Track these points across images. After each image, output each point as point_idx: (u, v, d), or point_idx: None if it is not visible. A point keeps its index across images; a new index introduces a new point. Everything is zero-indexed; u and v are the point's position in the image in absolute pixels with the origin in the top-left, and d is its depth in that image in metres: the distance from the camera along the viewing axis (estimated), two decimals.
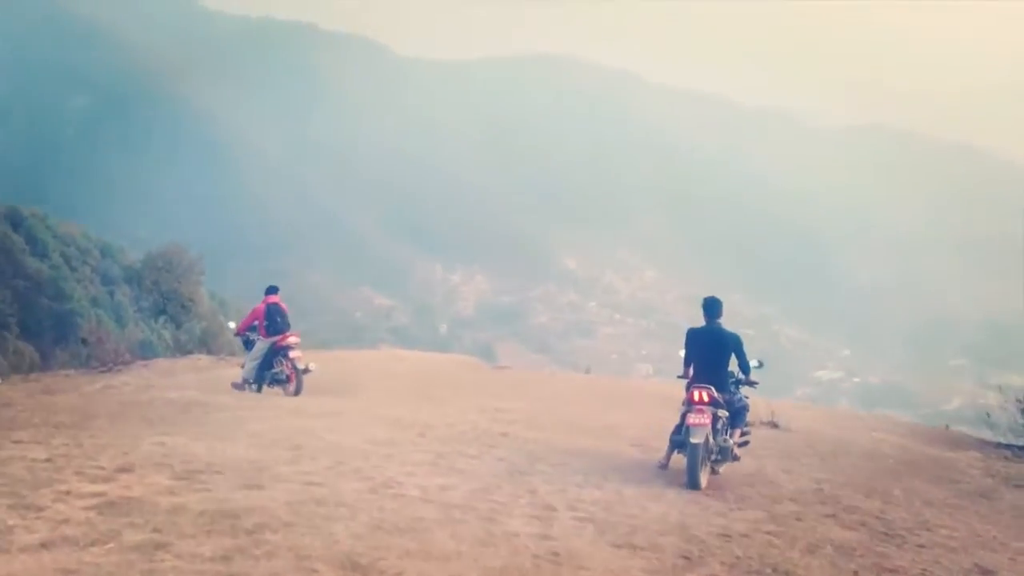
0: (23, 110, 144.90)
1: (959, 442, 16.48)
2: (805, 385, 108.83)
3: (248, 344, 15.28)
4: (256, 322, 15.00)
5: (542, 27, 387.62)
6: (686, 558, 6.17)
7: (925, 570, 6.84)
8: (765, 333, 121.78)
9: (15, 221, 51.23)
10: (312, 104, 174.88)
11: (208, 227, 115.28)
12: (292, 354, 14.55)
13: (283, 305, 15.21)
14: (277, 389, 14.72)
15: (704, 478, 8.86)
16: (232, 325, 16.87)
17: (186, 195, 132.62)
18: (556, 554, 5.82)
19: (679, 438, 9.20)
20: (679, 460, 9.30)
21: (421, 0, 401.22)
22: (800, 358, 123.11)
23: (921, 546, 7.62)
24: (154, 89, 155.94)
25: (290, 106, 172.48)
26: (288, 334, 14.80)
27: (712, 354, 9.51)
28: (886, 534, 7.89)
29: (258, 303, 15.30)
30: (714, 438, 9.04)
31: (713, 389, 9.04)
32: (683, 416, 9.17)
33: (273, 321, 14.76)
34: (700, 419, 8.78)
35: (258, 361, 14.65)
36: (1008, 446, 15.82)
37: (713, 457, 9.17)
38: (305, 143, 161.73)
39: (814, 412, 19.23)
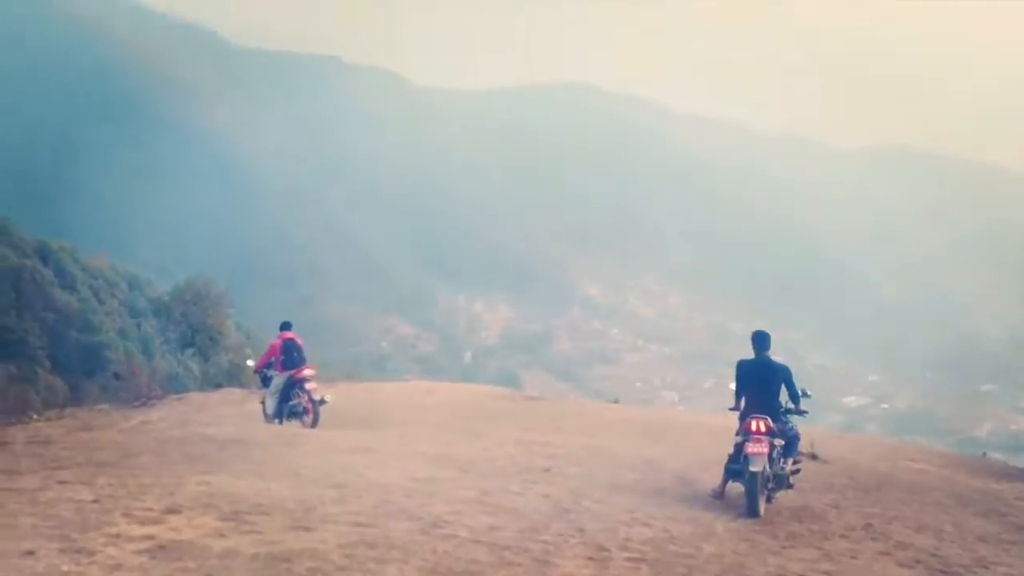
0: (47, 141, 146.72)
1: (1003, 473, 16.18)
2: (833, 412, 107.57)
3: (266, 381, 15.58)
4: (273, 358, 15.34)
5: (564, 56, 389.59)
6: None
7: None
8: (791, 359, 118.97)
9: (44, 254, 51.80)
10: (335, 133, 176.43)
11: (233, 255, 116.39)
12: (308, 386, 14.95)
13: (298, 340, 15.53)
14: (295, 422, 14.91)
15: (761, 506, 9.10)
16: (250, 363, 17.37)
17: (211, 224, 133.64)
18: None
19: (736, 467, 9.46)
20: (732, 488, 9.66)
21: (441, 32, 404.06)
22: (827, 384, 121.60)
23: None
24: (176, 118, 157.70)
25: (314, 135, 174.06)
26: (304, 367, 15.15)
27: (764, 385, 9.75)
28: (944, 572, 7.73)
29: (274, 339, 15.65)
30: (771, 467, 9.30)
31: (769, 419, 9.35)
32: (738, 446, 9.44)
33: (290, 356, 15.15)
34: (759, 448, 9.09)
35: (277, 395, 15.00)
36: None
37: (770, 486, 9.43)
38: (329, 171, 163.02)
39: (851, 442, 18.96)
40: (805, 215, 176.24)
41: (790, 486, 9.95)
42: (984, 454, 22.07)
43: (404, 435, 13.55)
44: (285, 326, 15.80)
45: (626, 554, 6.90)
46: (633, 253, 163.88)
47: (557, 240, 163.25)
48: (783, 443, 9.62)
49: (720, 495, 9.82)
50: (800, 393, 9.91)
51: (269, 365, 15.42)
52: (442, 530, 7.02)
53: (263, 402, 15.44)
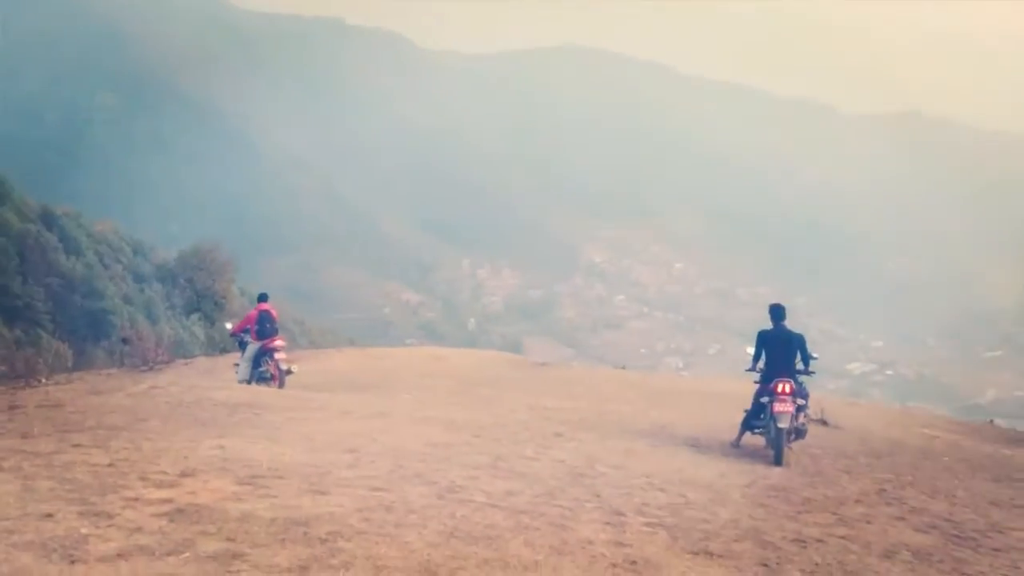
0: (54, 109, 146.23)
1: (1012, 438, 16.17)
2: (837, 378, 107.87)
3: (242, 345, 16.76)
4: (249, 326, 16.53)
5: (571, 19, 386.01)
6: (764, 565, 6.00)
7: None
8: (796, 325, 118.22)
9: (48, 220, 51.84)
10: (340, 99, 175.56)
11: (238, 222, 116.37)
12: (277, 356, 16.04)
13: (273, 312, 16.69)
14: (263, 386, 15.69)
15: (784, 456, 10.49)
16: (229, 326, 18.39)
17: (215, 190, 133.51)
18: (633, 562, 5.67)
19: (757, 422, 11.02)
20: (751, 440, 11.32)
21: None
22: (832, 350, 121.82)
23: (997, 550, 7.41)
24: (182, 86, 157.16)
25: (318, 101, 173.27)
26: (275, 338, 16.26)
27: (783, 351, 11.08)
28: (959, 537, 7.69)
29: (251, 309, 17.12)
30: (793, 422, 10.67)
31: (793, 382, 10.71)
32: (759, 402, 10.94)
33: (263, 326, 16.29)
34: (786, 407, 10.46)
35: (250, 361, 16.16)
36: None
37: (792, 437, 10.78)
38: (333, 137, 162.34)
39: (862, 408, 18.97)
40: (813, 182, 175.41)
41: (803, 436, 11.22)
42: (991, 421, 22.03)
43: (416, 401, 13.54)
44: (262, 298, 17.06)
45: (643, 519, 6.87)
46: (638, 220, 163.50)
47: (562, 206, 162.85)
48: (803, 402, 10.89)
49: (737, 445, 11.35)
50: (811, 357, 11.30)
51: (246, 332, 16.52)
52: (458, 495, 6.99)
53: (237, 364, 16.63)
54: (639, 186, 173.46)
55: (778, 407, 10.41)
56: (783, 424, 10.40)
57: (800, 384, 10.98)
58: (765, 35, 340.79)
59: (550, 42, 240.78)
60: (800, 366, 11.14)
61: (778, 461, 10.32)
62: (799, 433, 10.95)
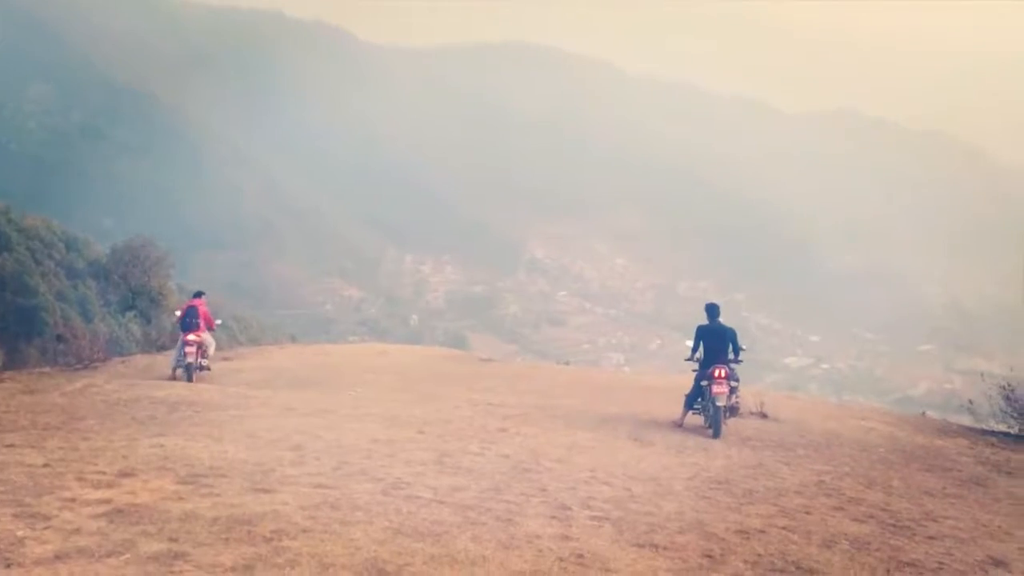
0: None
1: (945, 430, 16.58)
2: (775, 372, 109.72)
3: None
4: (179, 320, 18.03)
5: (516, 16, 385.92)
6: (709, 557, 6.08)
7: (941, 563, 6.80)
8: (734, 320, 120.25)
9: None
10: (280, 92, 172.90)
11: (175, 217, 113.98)
12: (187, 349, 16.99)
13: (201, 308, 17.84)
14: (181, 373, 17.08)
15: (721, 429, 12.23)
16: (177, 314, 19.03)
17: (151, 184, 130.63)
18: (580, 556, 5.70)
19: (700, 404, 12.74)
20: (691, 419, 12.97)
21: None
22: (770, 345, 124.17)
23: (931, 538, 7.60)
24: (118, 78, 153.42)
25: (258, 94, 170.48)
26: (190, 332, 17.22)
27: (718, 343, 12.91)
28: (895, 526, 7.87)
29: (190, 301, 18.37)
30: (728, 401, 12.50)
31: (727, 368, 12.53)
32: (699, 386, 12.72)
33: (183, 320, 17.59)
34: (722, 389, 12.30)
35: (177, 351, 17.45)
36: (993, 433, 15.94)
37: (727, 415, 12.53)
38: (273, 132, 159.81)
39: (800, 402, 19.30)
40: (752, 178, 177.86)
41: (736, 414, 13.17)
42: (923, 412, 22.58)
43: (359, 397, 13.45)
44: (196, 294, 18.52)
45: (588, 512, 6.92)
46: (580, 215, 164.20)
47: (504, 202, 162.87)
48: (736, 384, 12.73)
49: (681, 424, 12.95)
50: (740, 348, 13.16)
51: (182, 325, 17.75)
52: (404, 491, 6.96)
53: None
54: (582, 183, 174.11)
55: (716, 389, 12.25)
56: (720, 403, 12.23)
57: (732, 370, 12.74)
58: (708, 35, 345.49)
59: (495, 38, 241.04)
60: (732, 356, 12.95)
61: (716, 434, 12.10)
62: (733, 411, 12.82)
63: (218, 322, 19.06)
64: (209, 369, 17.53)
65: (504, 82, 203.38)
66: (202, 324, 17.58)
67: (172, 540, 5.20)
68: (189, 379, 16.47)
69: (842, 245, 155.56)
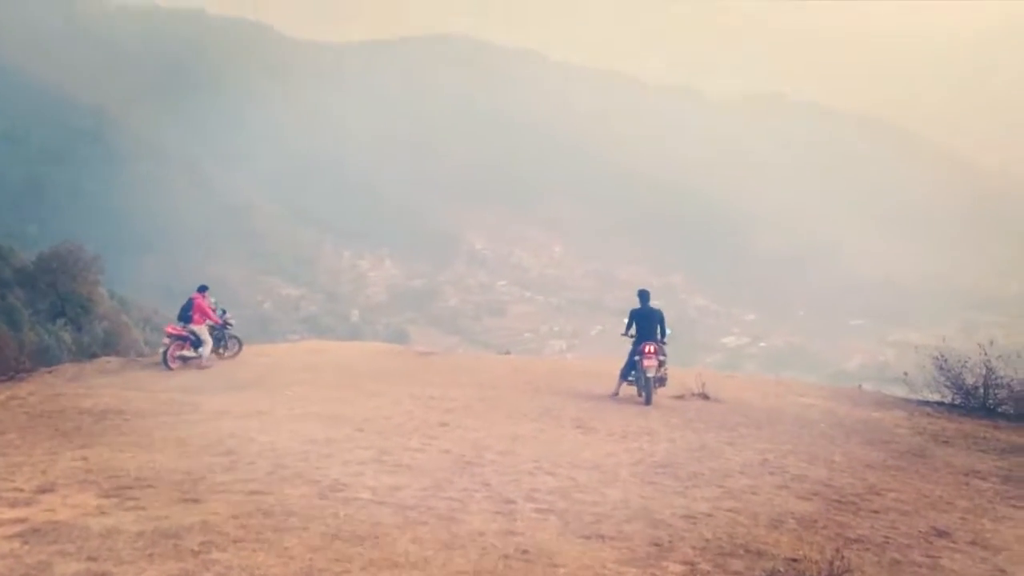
0: None
1: (881, 402, 16.81)
2: (713, 352, 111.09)
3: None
4: None
5: (437, 7, 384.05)
6: (657, 545, 5.96)
7: (887, 537, 6.79)
8: (673, 303, 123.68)
9: None
10: (202, 90, 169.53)
11: (102, 222, 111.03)
12: (164, 340, 18.41)
13: (199, 302, 18.46)
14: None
15: (653, 397, 14.03)
16: None
17: (75, 189, 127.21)
18: (525, 551, 5.54)
19: (630, 375, 14.61)
20: (628, 390, 14.72)
21: None
22: (707, 325, 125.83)
23: (876, 512, 7.61)
24: (34, 82, 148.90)
25: (180, 93, 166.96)
26: (172, 325, 18.58)
27: (649, 324, 14.81)
28: (840, 502, 7.87)
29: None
30: (657, 372, 14.26)
31: (657, 344, 14.39)
32: (635, 360, 14.41)
33: (180, 312, 18.65)
34: (652, 362, 14.13)
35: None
36: (928, 403, 16.21)
37: (657, 385, 14.29)
38: (198, 130, 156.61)
39: (739, 381, 19.45)
40: (685, 163, 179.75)
41: (664, 384, 14.63)
42: (859, 385, 22.93)
43: (296, 397, 13.10)
44: (199, 288, 19.10)
45: (533, 505, 6.76)
46: (517, 205, 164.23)
47: (441, 194, 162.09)
48: (663, 359, 14.50)
49: (617, 394, 14.77)
50: (667, 331, 15.04)
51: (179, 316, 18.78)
52: (342, 493, 6.72)
53: None
54: (516, 172, 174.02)
55: (646, 363, 14.07)
56: (651, 374, 14.04)
57: (661, 346, 14.51)
58: (633, 22, 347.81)
59: (418, 31, 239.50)
60: (660, 335, 14.79)
61: (648, 401, 13.89)
62: (661, 381, 14.46)
63: (226, 316, 19.56)
64: (199, 358, 18.00)
65: (431, 74, 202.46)
66: (196, 317, 18.18)
67: (92, 559, 4.91)
68: (167, 366, 17.74)
69: (775, 226, 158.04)
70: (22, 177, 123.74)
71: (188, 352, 18.06)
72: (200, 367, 17.79)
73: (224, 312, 19.67)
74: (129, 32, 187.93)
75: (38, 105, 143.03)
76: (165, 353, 17.95)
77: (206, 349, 18.19)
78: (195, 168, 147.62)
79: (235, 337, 19.82)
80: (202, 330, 18.20)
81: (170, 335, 18.17)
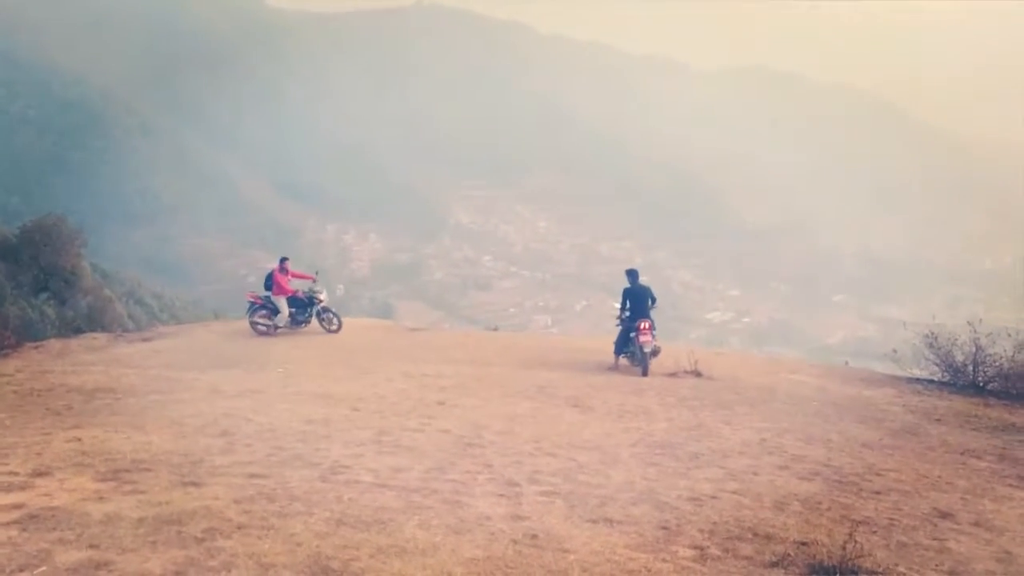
0: None
1: (871, 379, 16.85)
2: (698, 327, 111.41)
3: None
4: None
5: None
6: (665, 528, 5.90)
7: (891, 519, 6.76)
8: (657, 278, 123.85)
9: None
10: (184, 60, 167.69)
11: (84, 194, 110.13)
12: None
13: (276, 275, 19.63)
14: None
15: (648, 369, 15.06)
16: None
17: (57, 160, 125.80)
18: (535, 536, 5.46)
19: (626, 349, 15.81)
20: (622, 362, 15.95)
21: None
22: (692, 301, 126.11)
23: (878, 492, 7.58)
24: (13, 50, 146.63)
25: (161, 62, 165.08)
26: (251, 292, 20.29)
27: (641, 301, 15.93)
28: (841, 482, 7.84)
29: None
30: (651, 347, 15.38)
31: (650, 320, 15.58)
32: (627, 335, 15.70)
33: (264, 280, 20.03)
34: (647, 337, 15.30)
35: None
36: (918, 380, 16.24)
37: (652, 357, 15.31)
38: (183, 105, 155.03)
39: (729, 358, 19.43)
40: (668, 136, 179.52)
41: (657, 355, 15.61)
42: (846, 362, 22.98)
43: (288, 374, 12.98)
44: (280, 259, 20.19)
45: (537, 488, 6.68)
46: (502, 178, 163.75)
47: (426, 167, 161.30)
48: (655, 331, 15.59)
49: (616, 367, 15.80)
50: (655, 299, 16.23)
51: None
52: (343, 476, 6.62)
53: None
54: (501, 146, 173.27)
55: (642, 338, 15.23)
56: (647, 348, 15.19)
57: (653, 321, 15.65)
58: None
59: (407, 2, 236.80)
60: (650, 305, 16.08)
61: (645, 372, 14.96)
62: (655, 353, 15.47)
63: (313, 289, 20.24)
64: (275, 328, 19.48)
65: (416, 45, 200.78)
66: (275, 288, 19.52)
67: (93, 547, 4.79)
68: (254, 330, 19.40)
69: (757, 200, 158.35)
70: (4, 149, 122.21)
71: (263, 320, 19.41)
72: (271, 334, 19.31)
73: (314, 284, 20.43)
74: (115, 2, 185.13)
75: (15, 74, 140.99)
76: (251, 318, 19.47)
77: (280, 318, 19.45)
78: (180, 140, 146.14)
79: (330, 310, 20.31)
80: (280, 300, 19.49)
81: (249, 302, 19.72)
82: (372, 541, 5.12)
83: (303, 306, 19.88)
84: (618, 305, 16.42)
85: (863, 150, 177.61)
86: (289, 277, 19.95)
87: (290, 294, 19.72)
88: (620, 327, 16.13)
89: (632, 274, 16.25)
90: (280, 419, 8.82)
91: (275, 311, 19.50)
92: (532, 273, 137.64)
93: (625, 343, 15.77)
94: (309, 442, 7.77)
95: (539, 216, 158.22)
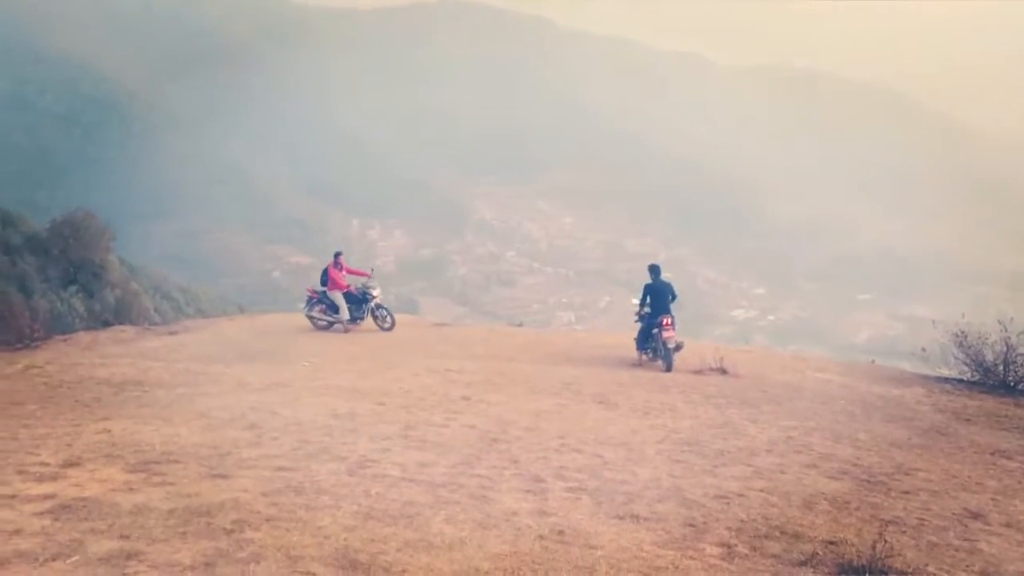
0: None
1: (899, 378, 16.70)
2: (722, 324, 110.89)
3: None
4: None
5: None
6: (691, 526, 5.87)
7: (921, 519, 6.70)
8: (682, 275, 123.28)
9: None
10: (210, 58, 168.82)
11: (109, 189, 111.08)
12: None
13: (330, 271, 19.63)
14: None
15: (673, 364, 15.18)
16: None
17: (83, 156, 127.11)
18: (561, 532, 5.45)
19: (648, 344, 15.90)
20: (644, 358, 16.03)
21: None
22: (717, 298, 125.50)
23: (907, 492, 7.51)
24: (42, 46, 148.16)
25: (186, 61, 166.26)
26: (311, 286, 20.38)
27: (663, 297, 15.94)
28: (869, 482, 7.77)
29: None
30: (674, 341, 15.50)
31: (671, 316, 15.69)
32: (650, 332, 15.79)
33: (321, 275, 20.04)
34: (670, 333, 15.40)
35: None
36: (947, 379, 16.08)
37: (675, 352, 15.35)
38: (212, 102, 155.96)
39: (755, 355, 19.31)
40: (693, 133, 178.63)
41: (680, 350, 15.64)
42: (872, 360, 22.78)
43: (314, 368, 13.04)
44: (335, 253, 20.27)
45: (563, 484, 6.67)
46: (525, 175, 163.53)
47: (450, 164, 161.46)
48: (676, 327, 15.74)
49: (640, 363, 15.90)
50: (675, 295, 16.21)
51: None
52: (370, 470, 6.64)
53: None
54: (525, 141, 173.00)
55: (666, 335, 15.35)
56: (671, 345, 15.30)
57: (674, 317, 15.74)
58: None
59: None
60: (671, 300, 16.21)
61: (669, 368, 15.04)
62: (678, 348, 15.50)
63: (366, 285, 19.99)
64: (334, 324, 19.47)
65: (440, 41, 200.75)
66: (329, 284, 19.49)
67: (124, 537, 4.83)
68: (314, 325, 19.64)
69: (781, 197, 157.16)
70: (32, 144, 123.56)
71: (320, 315, 19.52)
72: (330, 330, 19.32)
73: (368, 280, 20.25)
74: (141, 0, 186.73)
75: (44, 70, 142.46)
76: (308, 312, 19.71)
77: (342, 314, 19.31)
78: (205, 136, 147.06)
79: (383, 307, 20.02)
80: (336, 296, 19.35)
81: (307, 296, 19.92)
82: (399, 535, 5.13)
83: (358, 302, 19.67)
84: (636, 300, 16.62)
85: (889, 147, 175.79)
86: (344, 272, 19.82)
87: (344, 289, 19.55)
88: (639, 322, 16.33)
89: (654, 270, 16.32)
90: (307, 413, 8.86)
91: (332, 306, 19.43)
92: (556, 269, 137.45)
93: (646, 339, 15.89)
94: (335, 436, 7.79)
95: (563, 212, 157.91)
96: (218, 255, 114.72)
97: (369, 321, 19.94)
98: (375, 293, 19.79)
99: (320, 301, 19.54)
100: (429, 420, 8.90)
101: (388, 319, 19.87)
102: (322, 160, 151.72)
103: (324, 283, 19.60)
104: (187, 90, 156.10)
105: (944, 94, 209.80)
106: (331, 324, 19.40)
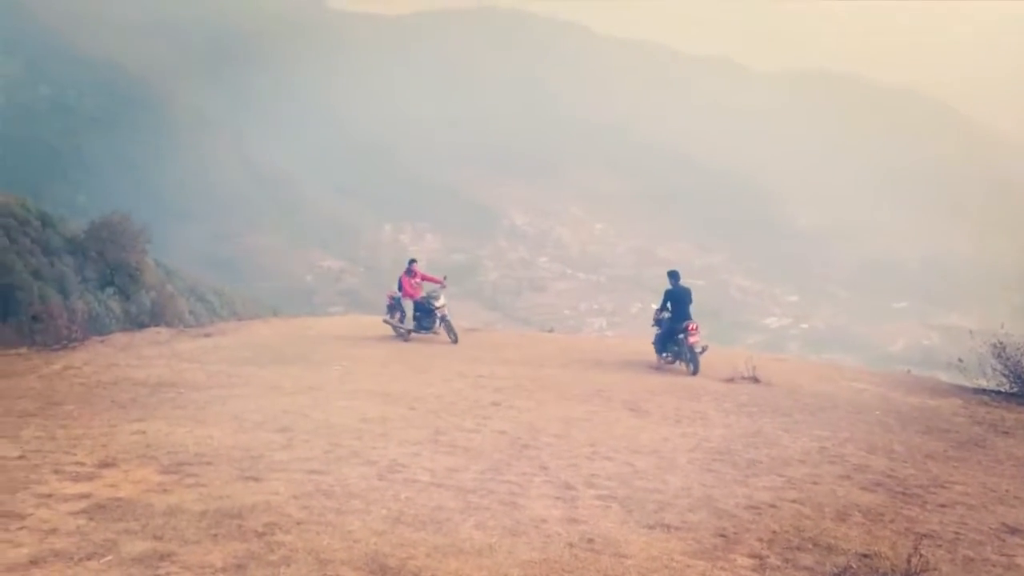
0: None
1: (936, 389, 16.47)
2: (755, 332, 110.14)
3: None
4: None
5: None
6: (723, 536, 5.83)
7: (957, 533, 6.60)
8: (714, 282, 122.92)
9: None
10: (247, 62, 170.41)
11: (147, 191, 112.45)
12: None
13: (402, 278, 19.75)
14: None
15: (699, 367, 15.47)
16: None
17: (122, 159, 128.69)
18: (591, 540, 5.43)
19: (669, 348, 16.22)
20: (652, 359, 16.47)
21: None
22: (749, 306, 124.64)
23: (943, 506, 7.41)
24: (82, 51, 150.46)
25: (225, 65, 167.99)
26: (392, 290, 20.26)
27: (684, 303, 16.32)
28: (904, 494, 7.67)
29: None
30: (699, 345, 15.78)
31: (695, 321, 15.88)
32: (669, 336, 16.15)
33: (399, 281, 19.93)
34: (696, 338, 15.69)
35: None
36: (985, 391, 15.82)
37: (700, 355, 15.58)
38: (247, 105, 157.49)
39: (788, 364, 19.14)
40: (727, 139, 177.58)
41: (705, 351, 15.87)
42: (908, 370, 22.48)
43: (346, 372, 13.10)
44: (409, 261, 20.55)
45: (593, 491, 6.64)
46: (558, 180, 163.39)
47: (482, 168, 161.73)
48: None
49: (660, 366, 16.22)
50: (691, 302, 16.54)
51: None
52: (400, 474, 6.66)
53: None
54: (557, 147, 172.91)
55: (692, 339, 15.62)
56: (697, 348, 15.56)
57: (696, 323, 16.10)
58: None
59: (464, 4, 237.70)
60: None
61: (695, 371, 15.33)
62: (703, 350, 15.73)
63: (432, 294, 19.35)
64: (405, 332, 19.34)
65: (474, 47, 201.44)
66: (403, 293, 19.47)
67: (157, 538, 4.89)
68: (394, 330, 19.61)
69: (816, 204, 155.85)
70: (70, 146, 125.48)
71: (397, 322, 19.50)
72: (405, 339, 19.15)
73: (438, 288, 19.72)
74: (178, 1, 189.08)
75: (84, 74, 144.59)
76: (387, 318, 19.79)
77: (407, 321, 19.31)
78: (239, 139, 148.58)
79: (445, 319, 19.07)
80: (406, 303, 19.49)
81: (388, 301, 20.05)
82: (428, 540, 5.14)
83: (427, 311, 18.97)
84: (655, 306, 17.15)
85: (924, 153, 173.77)
86: (417, 280, 19.65)
87: (415, 298, 19.23)
88: (657, 327, 16.80)
89: (674, 275, 16.59)
90: (338, 416, 8.90)
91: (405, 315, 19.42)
92: (587, 275, 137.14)
93: (665, 342, 16.30)
94: (366, 440, 7.83)
95: (595, 218, 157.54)
96: (251, 257, 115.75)
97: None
98: (438, 304, 19.00)
99: (397, 307, 19.61)
100: (459, 425, 8.91)
101: (452, 333, 19.07)
102: (354, 163, 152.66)
103: (400, 289, 19.69)
104: (221, 92, 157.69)
105: (975, 100, 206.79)
106: (409, 332, 19.15)
